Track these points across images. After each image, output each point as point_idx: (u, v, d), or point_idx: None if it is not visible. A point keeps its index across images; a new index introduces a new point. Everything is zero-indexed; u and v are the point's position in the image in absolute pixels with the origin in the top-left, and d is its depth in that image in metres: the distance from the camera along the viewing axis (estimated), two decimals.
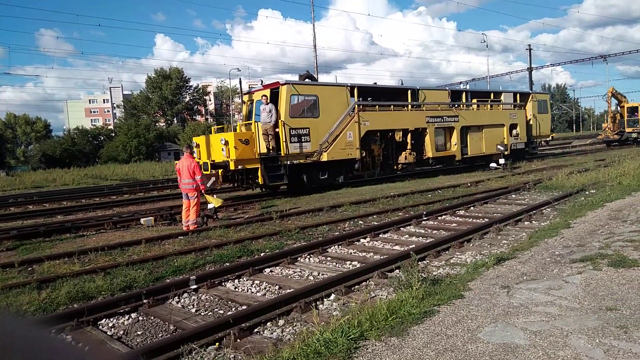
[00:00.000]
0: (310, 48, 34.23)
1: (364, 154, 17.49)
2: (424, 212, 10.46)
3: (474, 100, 22.56)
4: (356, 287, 5.80)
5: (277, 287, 6.10)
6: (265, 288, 6.10)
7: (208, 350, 4.15)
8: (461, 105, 21.74)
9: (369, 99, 19.77)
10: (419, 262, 6.28)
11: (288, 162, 15.15)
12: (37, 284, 6.33)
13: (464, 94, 22.19)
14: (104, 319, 5.16)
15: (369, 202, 13.04)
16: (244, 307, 5.25)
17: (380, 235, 8.82)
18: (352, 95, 17.20)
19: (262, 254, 7.84)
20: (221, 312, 5.34)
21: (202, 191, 10.80)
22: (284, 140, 14.97)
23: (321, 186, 16.37)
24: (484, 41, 52.52)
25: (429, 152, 19.77)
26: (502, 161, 21.75)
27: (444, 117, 20.36)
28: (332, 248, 8.00)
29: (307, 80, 16.71)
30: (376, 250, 7.79)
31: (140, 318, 5.24)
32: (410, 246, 7.68)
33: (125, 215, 12.57)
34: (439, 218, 10.37)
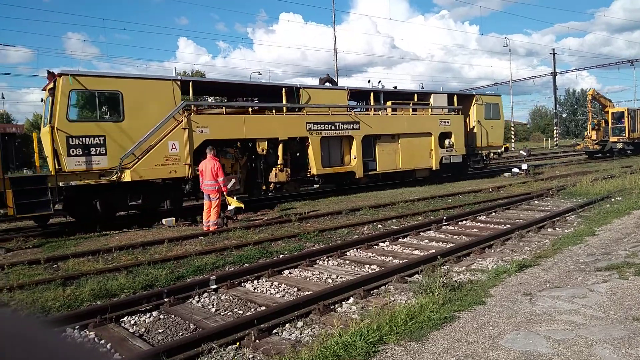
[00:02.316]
0: (331, 52, 34.24)
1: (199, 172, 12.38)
2: (444, 217, 10.36)
3: (388, 103, 17.97)
4: (375, 290, 5.78)
5: (295, 289, 6.12)
6: (284, 290, 6.13)
7: (227, 350, 4.18)
8: (369, 110, 17.45)
9: (217, 98, 16.94)
10: (441, 267, 6.21)
11: (62, 184, 10.76)
12: (62, 280, 6.48)
13: (372, 94, 17.42)
14: (126, 317, 5.26)
15: (388, 206, 12.98)
16: (263, 308, 5.28)
17: (400, 240, 8.77)
18: (187, 92, 13.14)
19: (281, 256, 7.89)
20: (240, 312, 5.38)
21: (224, 193, 10.91)
22: (61, 152, 10.71)
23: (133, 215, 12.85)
24: (507, 45, 51.88)
25: (314, 168, 15.12)
26: (524, 166, 21.36)
27: (337, 124, 15.71)
28: (351, 251, 7.99)
29: (101, 72, 12.70)
30: (395, 254, 7.75)
31: (162, 316, 5.31)
32: (431, 251, 7.62)
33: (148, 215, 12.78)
34: (460, 223, 10.26)
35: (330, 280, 6.48)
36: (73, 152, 10.80)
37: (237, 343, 4.26)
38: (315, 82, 17.24)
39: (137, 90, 11.82)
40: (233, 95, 16.74)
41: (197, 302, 5.76)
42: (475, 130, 20.63)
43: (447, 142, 19.34)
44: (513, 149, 49.31)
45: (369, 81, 18.30)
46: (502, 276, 5.58)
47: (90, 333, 4.81)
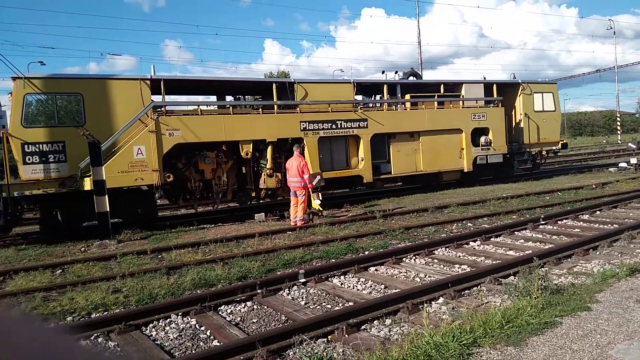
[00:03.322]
0: (414, 45, 33.47)
1: (171, 178, 11.54)
2: (542, 216, 9.70)
3: (407, 97, 15.49)
4: (466, 291, 5.58)
5: (382, 286, 6.10)
6: (370, 286, 6.14)
7: (317, 343, 4.29)
8: (383, 105, 15.25)
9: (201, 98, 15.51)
10: (539, 270, 5.84)
11: (17, 194, 10.09)
12: (166, 270, 7.05)
13: (385, 87, 15.14)
14: (223, 306, 5.59)
15: (478, 203, 12.43)
16: (351, 304, 5.33)
17: (492, 239, 8.37)
18: (158, 92, 11.76)
19: (366, 252, 7.90)
20: (328, 306, 5.49)
21: (310, 189, 11.16)
22: (17, 160, 10.23)
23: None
24: (611, 27, 47.09)
25: (310, 172, 12.81)
26: (633, 160, 19.27)
27: (339, 122, 13.70)
28: (439, 250, 7.78)
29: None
30: (487, 254, 7.41)
31: (255, 307, 5.58)
32: (527, 252, 7.18)
33: (240, 210, 13.47)
34: (559, 222, 9.54)
35: (418, 279, 6.37)
36: (29, 159, 10.18)
37: (329, 337, 4.35)
38: (398, 76, 16.49)
39: (100, 91, 10.98)
40: (222, 93, 14.85)
41: (287, 294, 5.96)
42: (522, 125, 17.62)
43: (482, 139, 16.40)
44: (619, 142, 44.75)
45: (383, 72, 16.01)
46: (610, 281, 5.12)
47: (192, 320, 5.18)
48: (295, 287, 6.17)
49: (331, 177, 13.64)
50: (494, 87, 16.97)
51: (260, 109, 13.18)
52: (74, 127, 10.50)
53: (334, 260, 7.49)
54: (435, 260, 7.25)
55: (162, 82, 11.57)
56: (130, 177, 10.97)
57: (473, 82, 16.95)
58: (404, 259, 7.28)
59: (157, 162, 11.20)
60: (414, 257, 7.41)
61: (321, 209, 11.52)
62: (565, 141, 20.50)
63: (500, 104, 17.10)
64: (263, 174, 12.97)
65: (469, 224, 10.02)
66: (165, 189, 11.95)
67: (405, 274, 6.62)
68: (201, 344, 4.61)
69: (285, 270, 7.02)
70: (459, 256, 7.44)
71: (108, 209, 9.85)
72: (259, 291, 5.86)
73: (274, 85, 13.21)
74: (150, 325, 5.07)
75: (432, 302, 5.25)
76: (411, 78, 17.82)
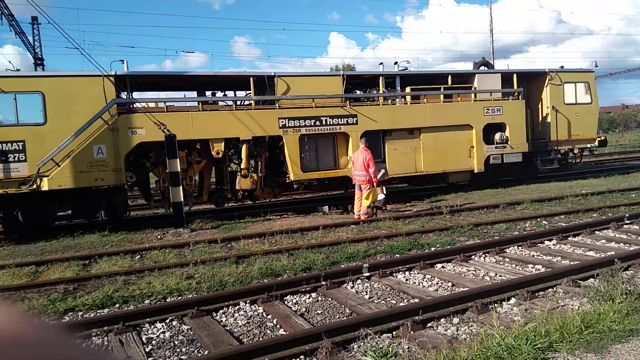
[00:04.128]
0: (485, 33, 32.02)
1: (134, 178, 11.28)
2: (627, 215, 8.97)
3: (407, 89, 13.85)
4: (540, 293, 5.29)
5: (449, 283, 5.94)
6: (437, 283, 6.00)
7: (382, 338, 4.26)
8: (379, 100, 13.91)
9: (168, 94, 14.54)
10: (623, 273, 5.41)
11: None
12: (235, 259, 7.32)
13: (381, 79, 13.64)
14: (289, 296, 5.72)
15: (554, 200, 11.71)
16: (417, 300, 5.25)
17: (570, 239, 7.87)
18: (123, 89, 11.40)
19: (432, 249, 7.74)
20: (393, 302, 5.43)
21: (374, 183, 11.08)
22: None
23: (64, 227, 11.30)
24: None
25: (292, 173, 12.31)
26: None
27: (324, 119, 12.54)
28: (510, 248, 7.44)
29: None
30: (564, 254, 6.97)
31: (319, 298, 5.65)
32: (609, 253, 6.68)
33: (305, 203, 13.68)
34: None
35: (487, 278, 6.13)
36: None
37: (394, 332, 4.31)
38: (468, 66, 15.63)
39: (62, 89, 10.60)
40: (203, 89, 14.13)
41: (351, 287, 5.98)
42: (549, 120, 15.40)
43: (497, 136, 14.51)
44: None
45: (381, 64, 14.48)
46: None
47: (259, 308, 5.35)
48: (359, 281, 6.17)
49: (315, 178, 12.91)
50: (514, 77, 14.98)
51: (233, 105, 12.37)
52: (35, 126, 10.36)
53: (398, 256, 7.40)
54: (507, 259, 6.94)
55: (127, 79, 11.21)
56: (90, 177, 10.60)
57: (488, 72, 15.27)
58: (472, 257, 7.03)
59: (120, 162, 10.81)
60: (483, 255, 7.14)
61: (372, 199, 11.36)
62: (603, 137, 17.69)
63: (520, 96, 15.11)
64: (238, 174, 12.09)
65: (543, 222, 9.48)
66: (135, 188, 11.71)
67: (474, 272, 6.40)
68: (268, 331, 4.74)
69: (349, 264, 7.04)
70: (533, 255, 7.06)
71: (182, 199, 10.37)
72: (323, 283, 5.92)
73: (251, 79, 12.24)
74: (221, 311, 5.30)
75: (503, 303, 5.04)
76: (482, 68, 17.09)
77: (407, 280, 6.22)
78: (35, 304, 5.61)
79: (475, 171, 14.42)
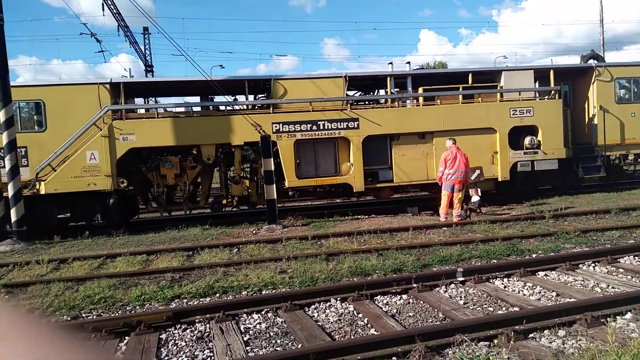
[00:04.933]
0: (594, 24, 29.22)
1: (125, 183, 11.38)
2: None
3: (420, 90, 12.75)
4: None
5: (554, 293, 5.52)
6: (539, 292, 5.60)
7: (479, 346, 4.08)
8: (387, 102, 12.91)
9: (155, 100, 13.67)
10: None
11: None
12: (326, 256, 7.45)
13: (389, 80, 12.56)
14: (379, 296, 5.69)
15: None
16: (517, 309, 4.95)
17: None
18: (118, 96, 11.59)
19: (533, 255, 7.25)
20: (490, 309, 5.17)
21: (466, 184, 10.66)
22: None
23: (66, 229, 11.37)
24: None
25: (286, 179, 11.86)
26: None
27: (321, 123, 11.89)
28: (625, 258, 6.74)
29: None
30: None
31: (411, 300, 5.55)
32: None
33: (392, 203, 13.53)
34: None
35: (598, 289, 5.61)
36: None
37: (493, 341, 4.11)
38: (574, 60, 14.23)
39: (60, 97, 11.15)
40: (204, 94, 13.83)
41: (445, 292, 5.79)
42: (595, 121, 13.57)
43: (526, 140, 12.87)
44: None
45: (390, 63, 13.22)
46: None
47: (350, 306, 5.39)
48: (452, 285, 5.97)
49: (312, 185, 12.29)
50: (551, 73, 13.24)
51: (225, 110, 12.29)
52: (36, 132, 11.11)
53: (495, 261, 7.04)
54: (621, 270, 6.29)
55: (121, 86, 11.46)
56: (83, 182, 11.02)
57: (517, 68, 13.66)
58: (580, 266, 6.48)
59: (111, 167, 11.11)
60: (593, 265, 6.54)
61: (478, 207, 10.89)
62: None
63: (557, 95, 13.26)
64: (230, 180, 12.10)
65: None
66: (131, 193, 11.96)
67: (582, 282, 5.88)
68: (359, 330, 4.76)
69: (442, 267, 6.83)
70: None
71: (275, 197, 10.78)
72: (414, 285, 5.81)
73: (245, 83, 11.98)
74: (312, 306, 5.42)
75: (618, 317, 4.57)
76: (591, 61, 15.64)
77: (505, 287, 5.89)
78: (146, 290, 6.17)
79: (500, 179, 12.90)
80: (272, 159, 10.76)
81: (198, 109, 12.99)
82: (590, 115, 13.84)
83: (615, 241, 7.96)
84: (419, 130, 12.51)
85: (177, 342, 4.66)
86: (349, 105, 12.34)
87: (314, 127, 11.95)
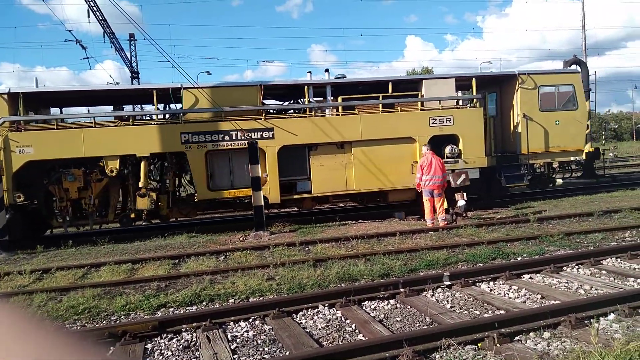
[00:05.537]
0: (577, 30, 29.86)
1: (22, 198, 10.73)
2: None
3: (339, 99, 12.37)
4: None
5: (539, 296, 5.59)
6: (524, 295, 5.67)
7: (466, 349, 4.11)
8: (306, 110, 12.39)
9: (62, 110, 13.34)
10: None
11: None
12: (313, 262, 7.44)
13: (307, 89, 12.11)
14: (367, 301, 5.70)
15: None
16: (503, 312, 5.00)
17: None
18: (16, 106, 10.96)
19: (518, 258, 7.35)
20: (477, 312, 5.22)
21: (444, 188, 10.73)
22: None
23: None
24: None
25: (197, 191, 11.50)
26: None
27: (233, 134, 11.47)
28: (608, 260, 6.86)
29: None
30: None
31: (398, 305, 5.57)
32: None
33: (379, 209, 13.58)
34: None
35: (582, 291, 5.69)
36: None
37: (479, 344, 4.14)
38: (557, 65, 14.39)
39: None
40: (109, 104, 13.50)
41: (431, 296, 5.83)
42: (519, 129, 13.20)
43: (447, 149, 12.41)
44: None
45: (309, 72, 12.86)
46: None
47: (338, 312, 5.38)
48: (439, 289, 6.01)
49: (226, 197, 11.79)
50: (473, 80, 12.93)
51: (130, 120, 11.69)
52: None
53: (481, 265, 7.11)
54: (604, 272, 6.40)
55: (20, 96, 10.93)
56: None
57: (438, 77, 13.39)
58: (564, 268, 6.57)
59: (6, 181, 10.51)
60: (576, 267, 6.65)
61: (464, 210, 10.99)
62: (592, 149, 15.04)
63: (479, 104, 12.96)
64: (137, 194, 11.29)
65: None
66: (33, 208, 11.36)
67: (566, 285, 5.97)
68: (347, 336, 4.76)
69: (429, 271, 6.88)
70: (635, 268, 6.46)
71: (262, 203, 10.74)
72: (402, 290, 5.83)
73: (154, 92, 11.42)
74: (300, 313, 5.41)
75: (601, 319, 4.65)
76: (573, 66, 15.97)
77: (491, 290, 5.95)
78: (132, 299, 6.09)
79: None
80: (259, 165, 10.72)
81: (105, 119, 12.36)
82: (515, 124, 13.55)
83: (598, 243, 8.10)
84: (337, 140, 12.09)
85: (163, 351, 4.60)
86: (264, 114, 11.90)
87: (227, 138, 11.49)
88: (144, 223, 12.24)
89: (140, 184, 11.24)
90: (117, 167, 11.08)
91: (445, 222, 10.42)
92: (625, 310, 4.67)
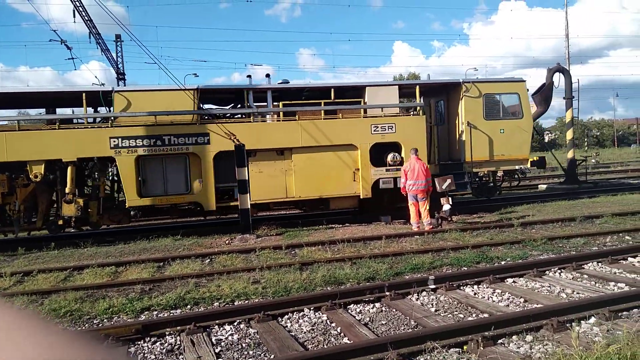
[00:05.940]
0: (560, 38, 30.41)
1: None
2: None
3: (280, 105, 12.18)
4: (624, 313, 4.91)
5: (522, 299, 5.66)
6: (508, 299, 5.74)
7: (450, 352, 4.14)
8: (248, 116, 12.15)
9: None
10: None
11: None
12: (299, 265, 7.44)
13: (246, 93, 11.89)
14: (352, 305, 5.70)
15: (638, 214, 10.83)
16: (486, 315, 5.05)
17: None
18: None
19: (502, 262, 7.43)
20: (461, 315, 5.26)
21: (428, 193, 10.78)
22: None
23: None
24: None
25: (127, 198, 11.04)
26: None
27: (166, 138, 11.11)
28: (589, 264, 6.98)
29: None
30: None
31: (384, 309, 5.59)
32: None
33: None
34: None
35: (564, 295, 5.78)
36: None
37: (464, 347, 4.18)
38: (542, 73, 14.57)
39: None
40: (41, 107, 13.07)
41: (416, 299, 5.86)
42: (464, 137, 13.02)
43: (389, 157, 12.33)
44: None
45: (249, 76, 12.69)
46: None
47: (323, 315, 5.38)
48: (424, 293, 6.04)
49: (157, 204, 11.41)
50: (417, 88, 12.89)
51: (57, 124, 11.18)
52: None
53: (465, 269, 7.17)
54: (585, 276, 6.50)
55: None
56: None
57: (381, 84, 13.06)
58: (547, 272, 6.67)
59: None
60: (559, 271, 6.74)
61: (450, 215, 11.08)
62: (535, 158, 14.98)
63: (422, 112, 12.86)
64: (63, 200, 10.88)
65: (627, 237, 8.80)
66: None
67: (549, 289, 6.05)
68: (332, 339, 4.76)
69: (414, 275, 6.91)
70: (615, 273, 6.57)
71: (249, 206, 10.69)
72: (387, 293, 5.85)
73: (83, 95, 10.98)
74: (286, 316, 5.39)
75: (582, 322, 4.72)
76: (556, 74, 16.24)
77: (475, 294, 6.00)
78: (115, 302, 6.01)
79: (361, 197, 12.24)
80: (245, 168, 10.68)
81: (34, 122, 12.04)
82: (460, 132, 13.34)
83: (580, 248, 8.23)
84: (276, 146, 11.85)
85: (146, 355, 4.55)
86: (199, 119, 11.61)
87: (159, 142, 11.10)
88: (72, 230, 11.89)
89: (67, 190, 10.79)
90: (42, 172, 10.62)
91: (431, 226, 10.50)
92: (605, 313, 4.75)
